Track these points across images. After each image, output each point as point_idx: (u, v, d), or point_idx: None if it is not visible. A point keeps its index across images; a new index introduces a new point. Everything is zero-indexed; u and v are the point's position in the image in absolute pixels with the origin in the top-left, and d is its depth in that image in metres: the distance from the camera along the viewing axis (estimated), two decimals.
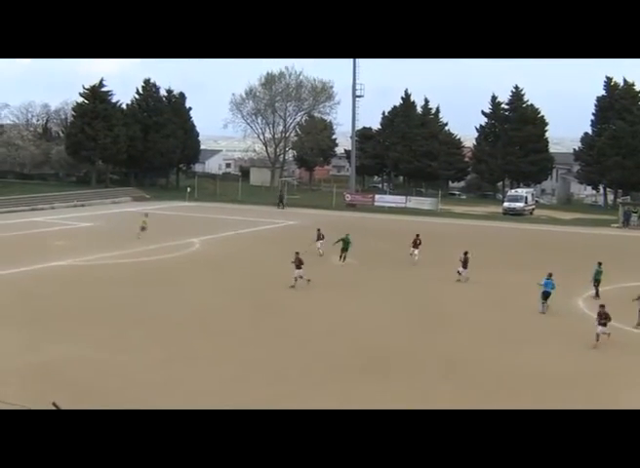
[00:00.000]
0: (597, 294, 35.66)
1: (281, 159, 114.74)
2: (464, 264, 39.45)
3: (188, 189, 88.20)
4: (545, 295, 32.99)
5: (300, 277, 36.45)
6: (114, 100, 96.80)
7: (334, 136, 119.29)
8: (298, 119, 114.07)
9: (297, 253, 36.88)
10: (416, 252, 44.90)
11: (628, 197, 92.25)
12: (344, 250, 44.96)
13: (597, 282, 35.99)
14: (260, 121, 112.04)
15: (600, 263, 36.67)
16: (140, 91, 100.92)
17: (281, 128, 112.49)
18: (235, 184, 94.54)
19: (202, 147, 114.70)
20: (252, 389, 21.91)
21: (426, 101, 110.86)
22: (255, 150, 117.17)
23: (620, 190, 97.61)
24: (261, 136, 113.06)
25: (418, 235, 45.77)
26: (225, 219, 66.81)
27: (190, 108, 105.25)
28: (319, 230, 48.50)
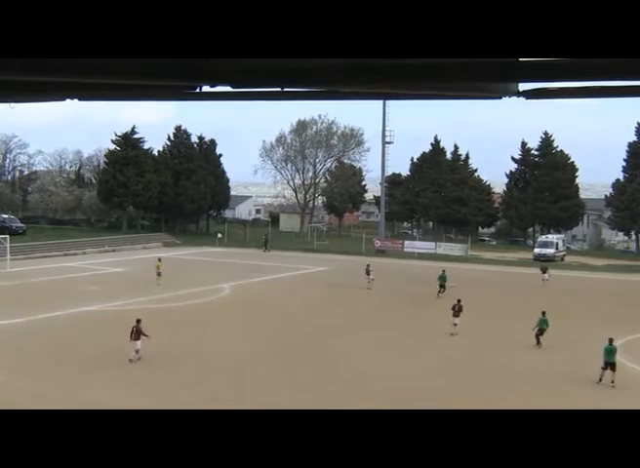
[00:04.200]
0: (538, 342, 35.01)
1: (310, 205, 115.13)
2: (457, 313, 37.83)
3: (219, 235, 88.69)
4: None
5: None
6: (146, 147, 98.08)
7: (363, 183, 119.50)
8: (327, 165, 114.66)
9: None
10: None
11: None
12: (441, 286, 50.46)
13: (541, 331, 35.12)
14: (289, 167, 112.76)
15: (544, 313, 35.77)
16: (172, 138, 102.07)
17: (311, 174, 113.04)
18: (265, 230, 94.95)
19: (232, 193, 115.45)
20: None
21: (456, 148, 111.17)
22: (284, 196, 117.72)
23: None
24: (291, 183, 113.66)
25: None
26: (255, 265, 66.97)
27: (221, 155, 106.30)
28: (368, 265, 54.61)
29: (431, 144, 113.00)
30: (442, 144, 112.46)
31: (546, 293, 53.70)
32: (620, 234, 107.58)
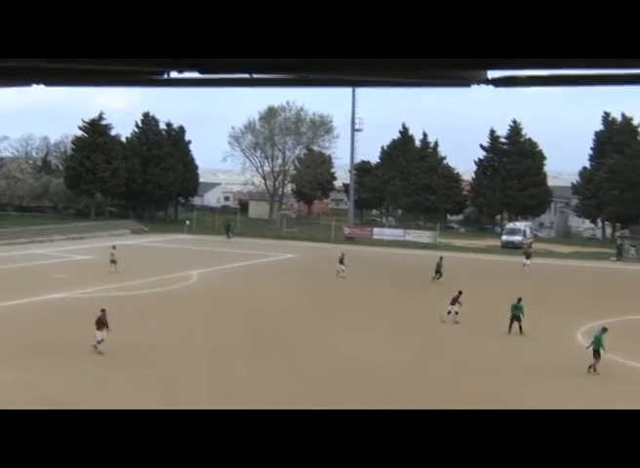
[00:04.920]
0: (510, 329, 35.11)
1: (280, 192, 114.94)
2: (454, 302, 38.09)
3: (187, 222, 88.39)
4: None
5: None
6: (114, 134, 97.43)
7: (332, 170, 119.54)
8: (296, 152, 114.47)
9: None
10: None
11: (627, 230, 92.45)
12: (437, 272, 51.89)
13: (515, 317, 35.12)
14: (258, 154, 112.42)
15: (519, 299, 35.74)
16: (140, 124, 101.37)
17: (280, 161, 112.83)
18: (234, 217, 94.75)
19: (201, 180, 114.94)
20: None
21: (425, 136, 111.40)
22: (254, 183, 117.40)
23: (618, 224, 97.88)
24: (260, 170, 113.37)
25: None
26: (223, 252, 66.82)
27: (189, 141, 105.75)
28: (342, 254, 54.16)
29: (400, 132, 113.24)
30: (411, 132, 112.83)
31: (524, 280, 54.07)
32: (587, 222, 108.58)
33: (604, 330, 28.74)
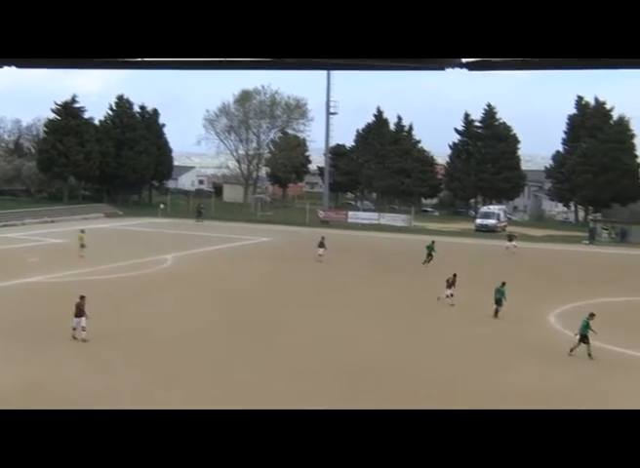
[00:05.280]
0: (496, 313, 35.18)
1: (254, 176, 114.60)
2: (450, 285, 38.36)
3: (161, 206, 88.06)
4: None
5: None
6: (88, 117, 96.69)
7: (307, 153, 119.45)
8: (271, 136, 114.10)
9: None
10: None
11: (599, 214, 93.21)
12: (429, 255, 52.21)
13: (497, 301, 35.30)
14: (233, 138, 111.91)
15: (503, 283, 35.84)
16: (114, 107, 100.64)
17: (254, 144, 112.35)
18: (208, 201, 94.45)
19: (175, 164, 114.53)
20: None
21: (399, 119, 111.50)
22: (228, 167, 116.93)
23: (590, 207, 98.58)
24: (235, 153, 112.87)
25: (455, 275, 38.74)
26: (198, 236, 66.64)
27: (164, 125, 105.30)
28: (322, 238, 53.60)
29: (375, 116, 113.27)
30: (386, 116, 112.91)
31: (500, 263, 54.36)
32: (560, 205, 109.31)
33: (591, 315, 28.75)
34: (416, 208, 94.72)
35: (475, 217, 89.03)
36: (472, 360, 28.04)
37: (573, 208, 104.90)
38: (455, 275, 38.71)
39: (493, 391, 24.31)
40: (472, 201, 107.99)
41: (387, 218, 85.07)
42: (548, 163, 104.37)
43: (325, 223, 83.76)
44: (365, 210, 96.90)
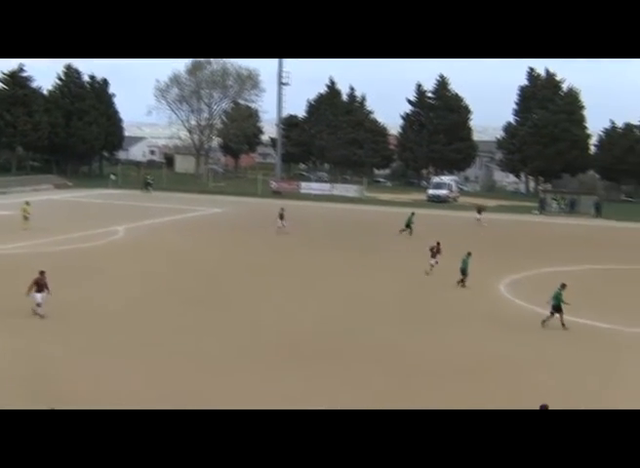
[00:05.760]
0: (463, 282, 35.40)
1: (206, 146, 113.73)
2: (435, 254, 38.57)
3: (112, 177, 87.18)
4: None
5: None
6: (35, 86, 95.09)
7: (259, 124, 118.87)
8: (223, 106, 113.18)
9: None
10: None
11: (549, 184, 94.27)
12: (407, 226, 52.93)
13: (463, 271, 35.56)
14: (184, 108, 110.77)
15: (469, 253, 36.10)
16: (63, 77, 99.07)
17: (206, 115, 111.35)
18: (160, 172, 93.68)
19: (126, 134, 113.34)
20: (178, 382, 21.72)
21: (352, 90, 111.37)
22: (180, 137, 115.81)
23: (541, 178, 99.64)
24: (186, 124, 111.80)
25: (438, 243, 39.15)
26: (150, 207, 66.12)
27: (114, 95, 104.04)
28: (282, 209, 52.85)
29: (327, 86, 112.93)
30: (338, 87, 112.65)
31: (455, 234, 54.73)
32: (511, 176, 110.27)
33: (563, 286, 28.80)
34: (368, 178, 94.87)
35: (427, 188, 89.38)
36: (417, 327, 28.25)
37: (523, 178, 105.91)
38: (438, 243, 38.97)
39: (430, 356, 24.56)
40: (424, 171, 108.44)
41: (340, 189, 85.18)
42: (500, 134, 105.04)
43: (277, 194, 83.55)
44: (318, 180, 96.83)
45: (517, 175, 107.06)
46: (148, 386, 20.85)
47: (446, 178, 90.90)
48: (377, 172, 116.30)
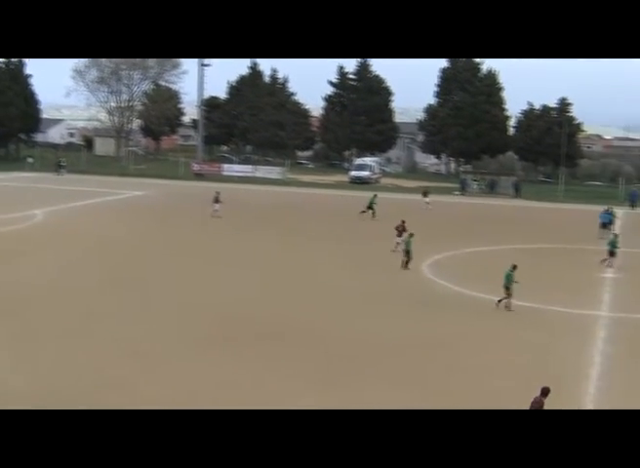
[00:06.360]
0: (407, 264, 35.53)
1: (126, 128, 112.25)
2: (400, 233, 38.89)
3: (29, 159, 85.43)
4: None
5: None
6: None
7: (180, 106, 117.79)
8: (143, 88, 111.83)
9: None
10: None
11: (469, 166, 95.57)
12: (370, 207, 52.82)
13: (407, 252, 35.83)
14: (104, 89, 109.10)
15: (411, 234, 36.49)
16: None
17: (126, 96, 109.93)
18: (79, 154, 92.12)
19: (43, 116, 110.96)
20: (107, 367, 21.43)
21: (274, 71, 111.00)
22: (99, 119, 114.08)
23: (461, 159, 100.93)
24: (106, 105, 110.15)
25: (403, 221, 40.08)
26: (69, 190, 64.94)
27: (30, 75, 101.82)
28: (217, 193, 51.92)
29: (249, 68, 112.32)
30: (261, 68, 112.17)
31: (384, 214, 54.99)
32: (432, 157, 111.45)
33: (514, 267, 28.89)
34: (291, 160, 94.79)
35: (349, 170, 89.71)
36: (338, 309, 28.39)
37: (444, 159, 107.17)
38: (403, 222, 39.58)
39: (346, 336, 24.73)
40: (347, 153, 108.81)
41: (262, 171, 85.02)
42: (421, 115, 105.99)
43: (199, 176, 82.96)
44: (246, 161, 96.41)
45: (438, 157, 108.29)
46: (66, 377, 20.49)
47: (368, 160, 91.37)
48: (299, 153, 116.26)
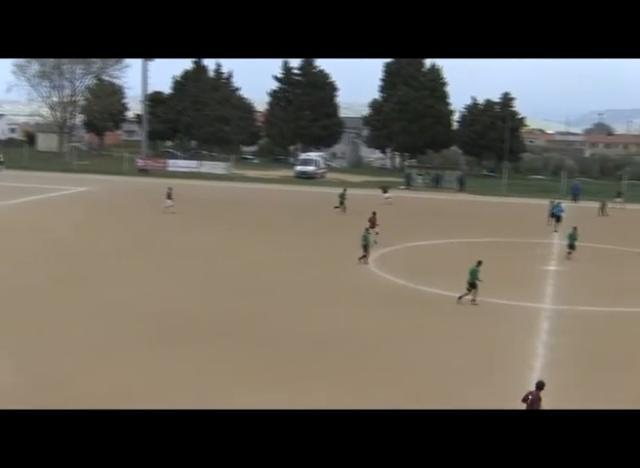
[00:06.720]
0: (365, 258, 35.75)
1: (69, 124, 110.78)
2: (373, 224, 39.69)
3: None
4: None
5: None
6: None
7: (124, 101, 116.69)
8: (86, 82, 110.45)
9: None
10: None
11: (414, 160, 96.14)
12: (341, 203, 53.65)
13: (365, 247, 36.09)
14: (46, 84, 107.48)
15: (367, 229, 37.19)
16: None
17: (68, 91, 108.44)
18: (20, 150, 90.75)
19: None
20: (41, 365, 21.22)
21: (219, 66, 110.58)
22: (41, 115, 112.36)
23: (406, 154, 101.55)
24: (48, 100, 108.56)
25: (374, 213, 41.74)
26: (10, 187, 63.86)
27: None
28: (170, 189, 51.58)
29: (193, 62, 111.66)
30: (205, 63, 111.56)
31: (307, 210, 55.06)
32: (377, 152, 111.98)
33: (479, 263, 29.11)
34: (236, 155, 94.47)
35: (295, 164, 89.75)
36: (281, 302, 28.46)
37: (389, 154, 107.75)
38: (374, 213, 40.57)
39: (289, 328, 24.87)
40: (292, 148, 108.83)
41: (207, 166, 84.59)
42: (366, 110, 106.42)
43: (144, 172, 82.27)
44: (186, 158, 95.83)
45: (383, 151, 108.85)
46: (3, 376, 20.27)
47: (313, 155, 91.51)
48: (244, 149, 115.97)
